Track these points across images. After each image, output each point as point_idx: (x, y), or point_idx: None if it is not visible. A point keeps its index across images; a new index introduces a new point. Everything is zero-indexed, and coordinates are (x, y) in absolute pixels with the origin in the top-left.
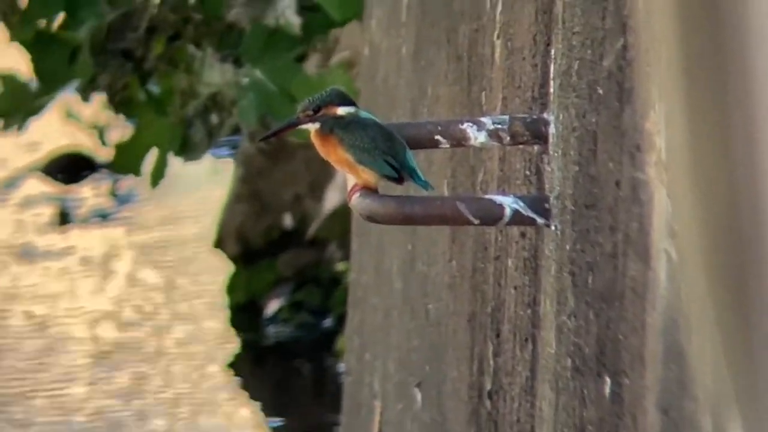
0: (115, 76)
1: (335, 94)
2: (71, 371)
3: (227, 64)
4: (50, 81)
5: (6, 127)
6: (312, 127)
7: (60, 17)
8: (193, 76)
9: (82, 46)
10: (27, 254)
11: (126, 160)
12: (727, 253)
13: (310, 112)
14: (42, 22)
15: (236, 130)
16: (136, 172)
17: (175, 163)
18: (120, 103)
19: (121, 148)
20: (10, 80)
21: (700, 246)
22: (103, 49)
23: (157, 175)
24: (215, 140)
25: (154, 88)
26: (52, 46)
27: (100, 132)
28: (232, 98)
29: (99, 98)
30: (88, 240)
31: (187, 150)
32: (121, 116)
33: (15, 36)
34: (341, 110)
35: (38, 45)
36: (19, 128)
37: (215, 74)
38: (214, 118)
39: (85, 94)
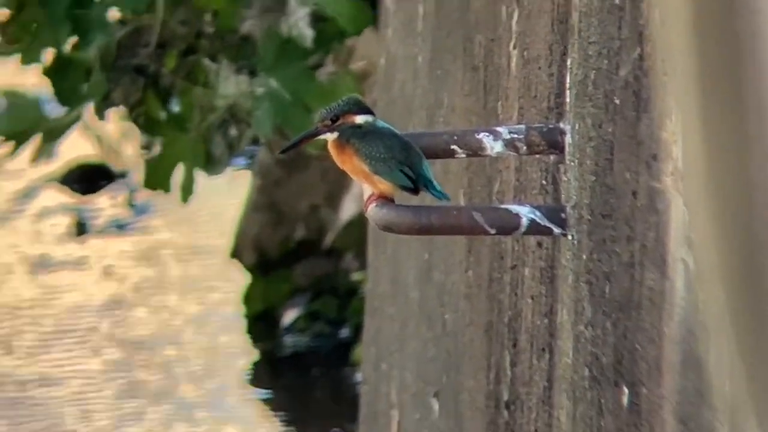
0: (129, 92)
1: (353, 103)
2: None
3: (242, 76)
4: (70, 102)
5: (37, 157)
6: (330, 137)
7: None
8: (210, 90)
9: (94, 65)
10: (44, 264)
11: (156, 178)
12: (745, 262)
13: (329, 122)
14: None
15: (255, 141)
16: (166, 188)
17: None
18: (140, 121)
19: (150, 166)
20: (12, 96)
21: (718, 255)
22: (114, 65)
23: (187, 190)
24: (235, 153)
25: (174, 104)
26: (68, 68)
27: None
28: (249, 109)
29: (116, 111)
30: (105, 249)
31: (209, 164)
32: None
33: (25, 60)
34: (360, 119)
35: (55, 68)
36: (50, 156)
37: (230, 86)
38: (233, 131)
39: (99, 112)
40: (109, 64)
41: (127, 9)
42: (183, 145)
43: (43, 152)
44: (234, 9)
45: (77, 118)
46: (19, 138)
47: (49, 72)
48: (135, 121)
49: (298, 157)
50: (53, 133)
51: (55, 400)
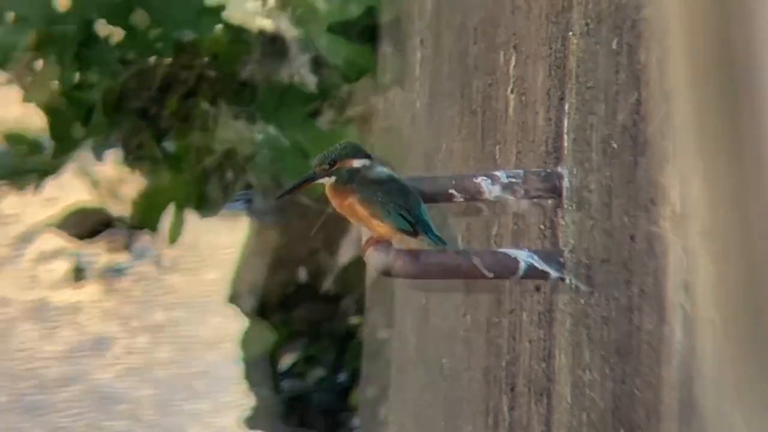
0: (130, 134)
1: (350, 147)
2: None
3: (241, 121)
4: (66, 142)
5: (22, 186)
6: (327, 182)
7: (67, 78)
8: (207, 133)
9: (95, 106)
10: (41, 310)
11: (143, 215)
12: (744, 307)
13: (326, 166)
14: (55, 84)
15: (249, 186)
16: (153, 227)
17: (191, 218)
18: (136, 160)
19: (137, 204)
20: (15, 140)
21: (716, 300)
22: (116, 108)
23: (175, 231)
24: (231, 196)
25: (169, 144)
26: (67, 107)
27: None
28: (247, 155)
29: (114, 154)
30: (102, 294)
31: (204, 206)
32: (136, 172)
33: (28, 97)
34: (357, 163)
35: (53, 106)
36: (36, 187)
37: (229, 131)
38: (229, 175)
39: (98, 152)
40: (111, 106)
41: (136, 51)
42: (175, 184)
43: (31, 183)
44: (235, 54)
45: (70, 157)
46: (19, 180)
47: (46, 109)
48: (126, 158)
49: (296, 202)
50: (46, 170)
51: None
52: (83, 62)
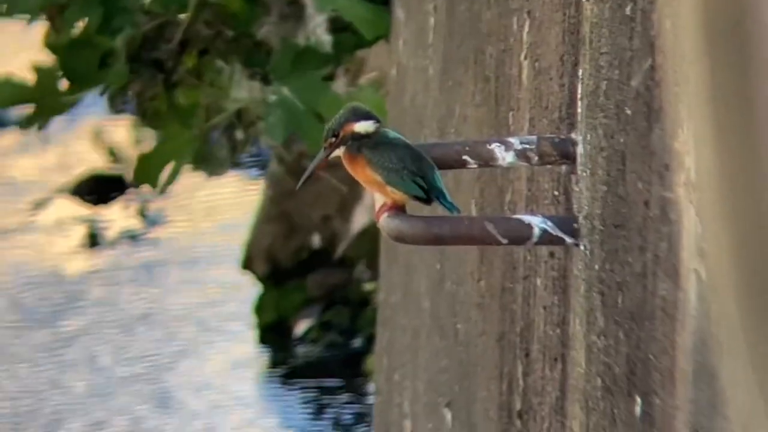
0: (146, 86)
1: (348, 111)
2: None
3: (255, 81)
4: (80, 82)
5: (28, 124)
6: (339, 152)
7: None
8: (218, 91)
9: (114, 52)
10: (56, 275)
11: (145, 172)
12: (757, 272)
13: (332, 139)
14: (78, 25)
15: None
16: (153, 183)
17: (205, 185)
18: (148, 115)
19: (142, 160)
20: (43, 72)
21: (730, 266)
22: (136, 57)
23: (167, 182)
24: (238, 156)
25: (181, 100)
26: (85, 49)
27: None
28: (259, 115)
29: (129, 119)
30: (117, 261)
31: (211, 165)
32: (149, 138)
33: (49, 40)
34: (358, 126)
35: (70, 48)
36: (41, 127)
37: (243, 90)
38: (238, 134)
39: (114, 102)
40: (133, 55)
41: (159, 3)
42: (181, 141)
43: (39, 122)
44: (252, 13)
45: (81, 98)
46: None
47: (60, 50)
48: (139, 111)
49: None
50: (55, 108)
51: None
52: (108, 8)
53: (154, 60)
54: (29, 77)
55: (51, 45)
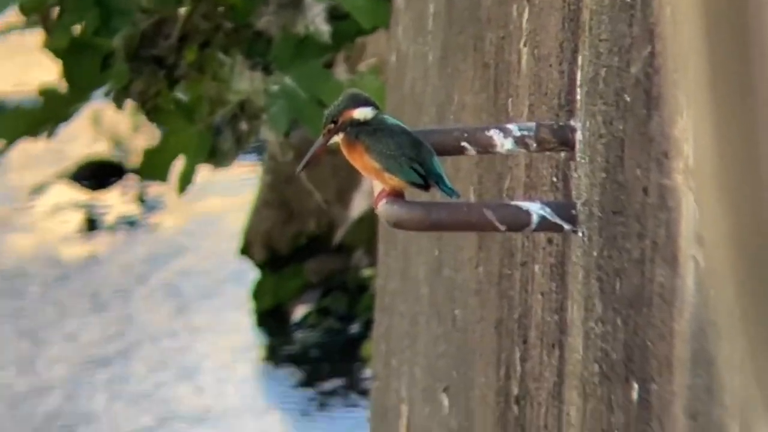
0: (149, 83)
1: (347, 98)
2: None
3: (256, 72)
4: (82, 87)
5: (36, 133)
6: (338, 138)
7: (88, 24)
8: (221, 84)
9: (115, 52)
10: (53, 261)
11: (153, 167)
12: (755, 259)
13: (331, 126)
14: (76, 29)
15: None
16: (163, 178)
17: (202, 169)
18: (151, 111)
19: (148, 155)
20: (48, 93)
21: (728, 253)
22: (136, 56)
23: (184, 182)
24: (243, 147)
25: (183, 95)
26: (85, 52)
27: (117, 140)
28: (262, 106)
29: (129, 106)
30: (115, 246)
31: (216, 157)
32: (149, 123)
33: (49, 44)
34: (357, 112)
35: (71, 52)
36: (49, 135)
37: (244, 82)
38: (243, 126)
39: (118, 101)
40: (132, 54)
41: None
42: (187, 135)
43: (45, 131)
44: (251, 4)
45: (85, 102)
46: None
47: (62, 54)
48: (142, 107)
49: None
50: (61, 117)
51: None
52: (104, 8)
53: (154, 57)
54: (29, 77)
55: (51, 48)
